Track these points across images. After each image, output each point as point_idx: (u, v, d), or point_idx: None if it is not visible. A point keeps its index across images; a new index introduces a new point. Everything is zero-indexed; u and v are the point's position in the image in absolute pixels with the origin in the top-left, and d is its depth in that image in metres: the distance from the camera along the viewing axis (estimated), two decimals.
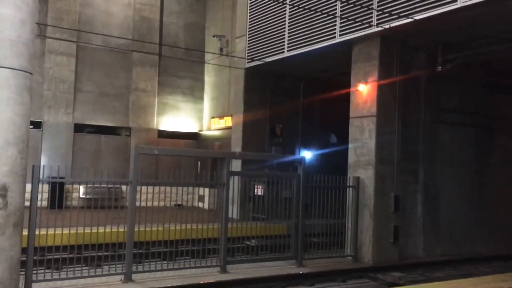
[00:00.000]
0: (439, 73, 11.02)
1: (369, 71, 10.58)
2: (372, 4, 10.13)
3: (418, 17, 9.20)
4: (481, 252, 12.17)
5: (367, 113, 10.51)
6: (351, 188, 10.40)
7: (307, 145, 15.94)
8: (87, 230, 7.61)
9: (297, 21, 12.49)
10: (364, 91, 10.61)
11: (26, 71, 5.99)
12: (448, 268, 10.63)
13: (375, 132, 10.33)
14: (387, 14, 9.67)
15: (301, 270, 9.16)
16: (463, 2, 8.45)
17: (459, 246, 12.01)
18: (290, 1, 12.59)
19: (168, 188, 9.04)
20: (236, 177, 9.61)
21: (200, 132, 20.21)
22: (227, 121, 17.83)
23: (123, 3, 19.01)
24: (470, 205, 12.46)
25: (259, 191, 13.05)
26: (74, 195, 16.56)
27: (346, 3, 10.49)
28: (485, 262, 11.29)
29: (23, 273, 6.68)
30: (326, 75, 14.41)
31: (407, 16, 9.31)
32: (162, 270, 8.07)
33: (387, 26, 9.77)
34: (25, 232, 6.54)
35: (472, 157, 12.63)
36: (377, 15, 10.03)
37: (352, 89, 10.98)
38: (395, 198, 10.45)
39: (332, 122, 15.39)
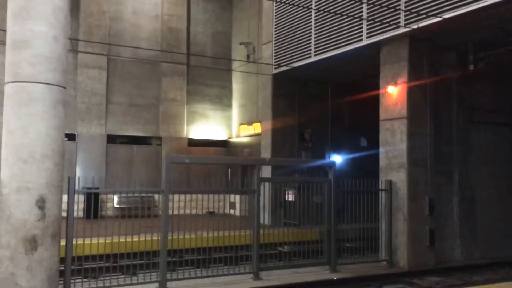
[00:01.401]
0: (471, 72, 10.77)
1: (398, 72, 10.44)
2: (399, 4, 10.00)
3: (446, 15, 9.03)
4: None
5: (398, 115, 10.36)
6: (383, 192, 10.25)
7: (337, 149, 15.81)
8: (122, 239, 7.75)
9: (323, 25, 12.45)
10: (393, 93, 10.47)
11: (60, 86, 6.17)
12: (487, 271, 10.32)
13: (407, 134, 10.16)
14: (415, 14, 9.53)
15: (335, 276, 9.05)
16: None
17: (497, 248, 11.64)
18: (315, 6, 12.57)
19: (199, 196, 9.11)
20: (266, 183, 9.62)
21: (230, 139, 20.32)
22: (256, 128, 17.86)
23: (151, 15, 19.38)
24: (508, 207, 12.08)
25: (290, 196, 13.01)
26: (109, 205, 16.86)
27: (372, 5, 10.40)
28: None
29: (61, 282, 6.84)
30: (354, 78, 14.28)
31: (435, 15, 9.15)
32: (196, 277, 8.13)
33: (415, 26, 9.62)
34: (62, 243, 6.72)
35: (508, 157, 12.26)
36: (405, 16, 9.90)
37: (381, 91, 10.84)
38: (429, 201, 10.24)
39: (362, 125, 15.21)
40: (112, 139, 18.38)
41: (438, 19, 9.14)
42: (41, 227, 5.89)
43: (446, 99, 11.15)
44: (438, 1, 9.20)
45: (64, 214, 6.76)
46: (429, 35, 10.12)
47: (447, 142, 11.08)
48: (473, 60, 10.64)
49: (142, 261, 8.64)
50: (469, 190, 11.37)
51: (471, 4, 8.63)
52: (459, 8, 8.83)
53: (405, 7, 9.85)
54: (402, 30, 9.97)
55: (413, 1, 9.75)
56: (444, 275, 9.71)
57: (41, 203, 5.88)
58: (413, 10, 9.59)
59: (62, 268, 6.86)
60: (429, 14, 9.24)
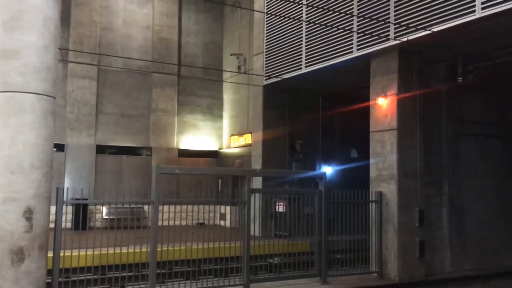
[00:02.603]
0: (460, 84, 10.88)
1: (388, 84, 10.52)
2: (389, 17, 10.12)
3: (436, 29, 9.14)
4: (511, 267, 11.82)
5: (388, 126, 10.42)
6: (373, 203, 10.26)
7: (327, 161, 15.84)
8: (111, 251, 7.66)
9: (314, 37, 12.53)
10: (383, 104, 10.53)
11: (49, 96, 6.13)
12: (477, 283, 10.35)
13: (397, 145, 10.21)
14: (405, 27, 9.64)
15: None
16: (482, 12, 8.37)
17: (487, 260, 11.69)
18: (306, 18, 12.66)
19: (189, 207, 9.06)
20: (257, 195, 9.60)
21: (220, 150, 20.28)
22: (247, 138, 17.86)
23: (142, 25, 19.39)
24: (497, 218, 12.15)
25: (280, 208, 12.97)
26: (98, 216, 16.72)
27: (362, 18, 10.50)
28: None
29: None
30: (344, 89, 14.38)
31: (424, 28, 9.25)
32: None
33: (405, 39, 9.73)
34: (50, 254, 6.62)
35: (498, 169, 12.36)
36: (395, 29, 10.00)
37: (371, 103, 10.91)
38: (419, 212, 10.27)
39: (353, 136, 15.29)
40: (101, 149, 18.27)
41: (428, 32, 9.25)
42: (28, 238, 5.80)
43: (436, 111, 11.24)
44: (428, 15, 9.32)
45: (52, 225, 6.67)
46: (419, 48, 10.23)
47: (437, 153, 11.16)
48: (461, 72, 10.75)
49: (131, 273, 8.53)
50: (459, 202, 11.44)
51: (460, 18, 8.74)
52: (448, 22, 8.94)
53: (395, 20, 9.96)
54: (392, 42, 10.07)
55: (402, 14, 9.86)
56: (434, 287, 9.72)
57: (28, 214, 5.80)
58: (402, 23, 9.69)
59: (49, 280, 6.76)
60: (419, 27, 9.35)
